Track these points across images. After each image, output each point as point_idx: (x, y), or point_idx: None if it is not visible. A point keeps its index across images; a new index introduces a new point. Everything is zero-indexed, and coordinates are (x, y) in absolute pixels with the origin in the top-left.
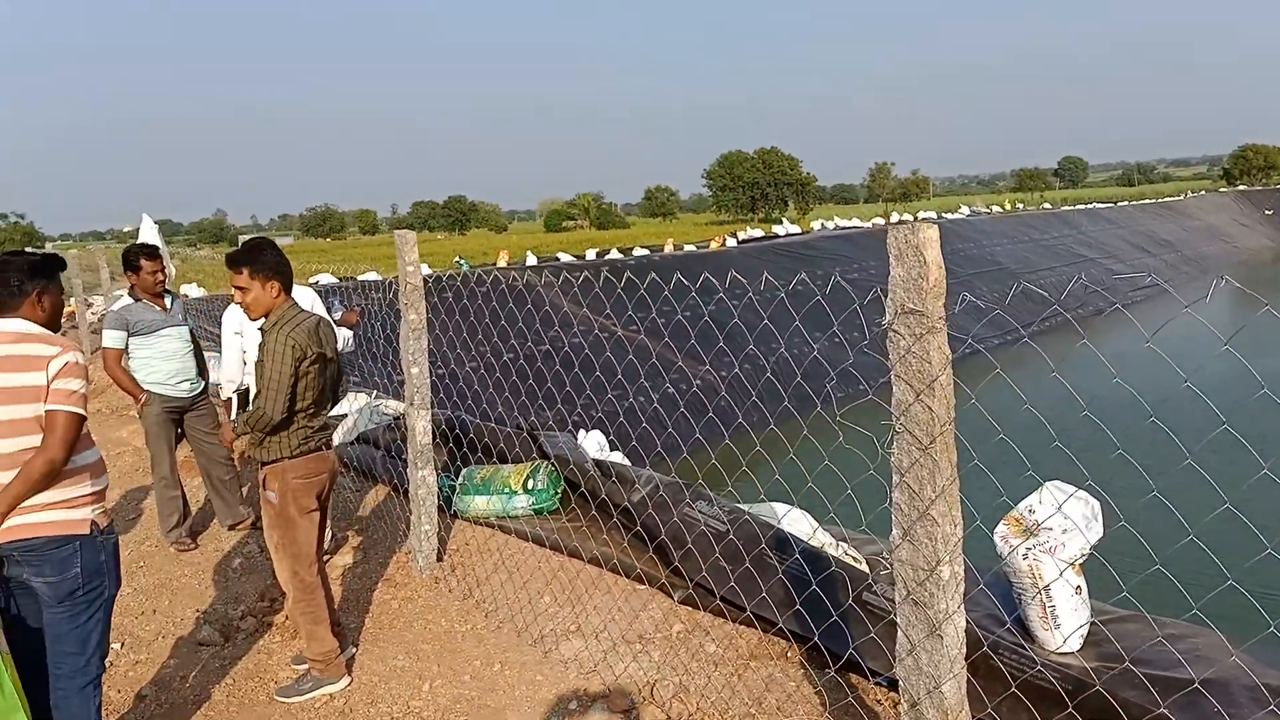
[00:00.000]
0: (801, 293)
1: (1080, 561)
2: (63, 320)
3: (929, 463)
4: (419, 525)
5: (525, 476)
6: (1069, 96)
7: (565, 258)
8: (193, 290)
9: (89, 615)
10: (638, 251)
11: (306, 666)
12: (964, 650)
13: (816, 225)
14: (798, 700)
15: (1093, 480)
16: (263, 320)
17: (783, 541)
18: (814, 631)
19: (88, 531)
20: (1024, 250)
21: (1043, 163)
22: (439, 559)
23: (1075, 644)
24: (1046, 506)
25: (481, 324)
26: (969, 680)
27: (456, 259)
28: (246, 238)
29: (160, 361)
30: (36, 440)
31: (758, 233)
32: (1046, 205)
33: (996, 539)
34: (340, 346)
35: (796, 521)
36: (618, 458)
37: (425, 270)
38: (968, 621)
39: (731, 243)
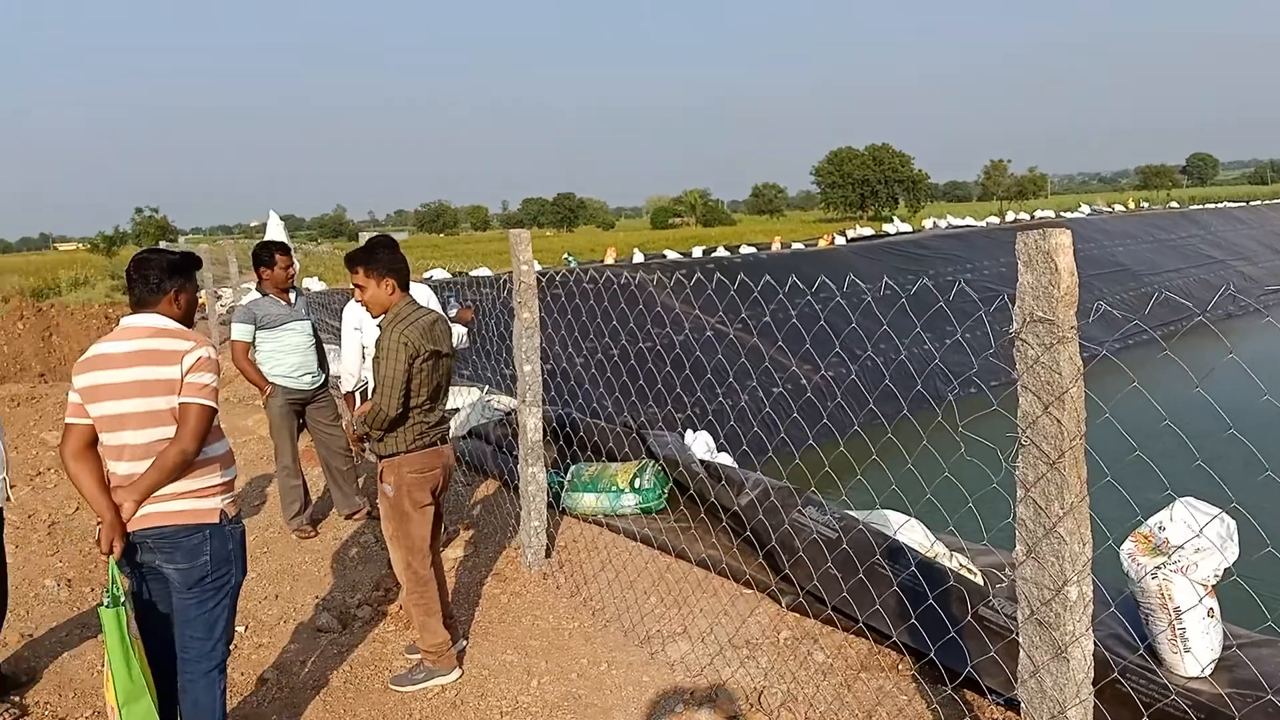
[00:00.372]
0: (917, 294)
1: (1215, 584)
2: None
3: (1056, 478)
4: (528, 521)
5: (632, 475)
6: (1198, 92)
7: (672, 255)
8: (314, 284)
9: (216, 601)
10: (744, 249)
11: (420, 657)
12: (1091, 674)
13: (928, 224)
14: (910, 716)
15: (1233, 497)
16: (382, 317)
17: (895, 551)
18: (929, 646)
19: (217, 520)
20: (1148, 251)
21: (1170, 159)
22: (547, 555)
23: (1207, 669)
24: (1177, 524)
25: (593, 322)
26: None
27: (565, 256)
28: (367, 234)
29: (285, 355)
30: (170, 431)
31: (867, 231)
32: (1174, 204)
33: (1123, 556)
34: (455, 343)
35: (911, 531)
36: (725, 459)
37: (537, 267)
38: (1095, 643)
39: (840, 241)
